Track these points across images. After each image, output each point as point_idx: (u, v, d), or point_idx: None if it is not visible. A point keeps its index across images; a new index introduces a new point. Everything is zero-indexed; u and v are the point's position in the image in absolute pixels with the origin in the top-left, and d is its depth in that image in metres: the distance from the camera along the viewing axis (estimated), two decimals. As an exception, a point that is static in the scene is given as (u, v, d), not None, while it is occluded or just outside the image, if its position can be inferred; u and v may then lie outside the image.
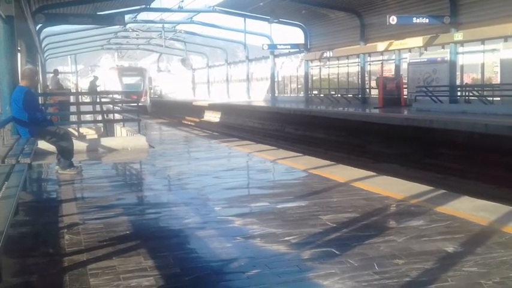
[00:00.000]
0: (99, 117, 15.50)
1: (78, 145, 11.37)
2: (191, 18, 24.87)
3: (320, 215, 5.55)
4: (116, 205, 6.33)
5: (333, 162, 9.22)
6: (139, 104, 19.76)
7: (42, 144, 10.99)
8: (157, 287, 3.70)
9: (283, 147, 14.78)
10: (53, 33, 27.57)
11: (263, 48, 33.76)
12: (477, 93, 22.46)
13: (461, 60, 24.39)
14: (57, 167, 8.82)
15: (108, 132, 16.94)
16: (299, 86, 39.42)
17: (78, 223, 5.46)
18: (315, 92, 36.41)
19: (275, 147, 11.77)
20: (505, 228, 4.91)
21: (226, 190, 7.12)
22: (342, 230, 5.00)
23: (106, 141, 12.20)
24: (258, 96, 43.15)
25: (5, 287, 3.67)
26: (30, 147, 7.26)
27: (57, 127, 9.15)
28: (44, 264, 4.25)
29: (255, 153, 10.65)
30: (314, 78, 37.40)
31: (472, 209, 5.67)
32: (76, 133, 14.16)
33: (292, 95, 40.17)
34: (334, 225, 5.16)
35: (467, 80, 24.97)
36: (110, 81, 37.05)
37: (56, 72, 24.50)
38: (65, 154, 8.77)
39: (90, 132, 14.71)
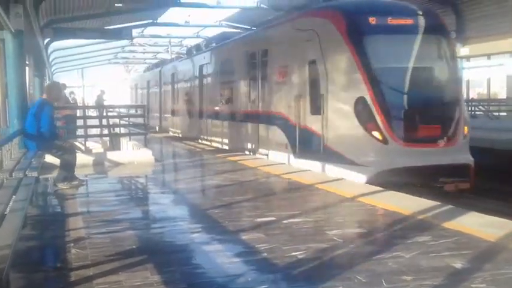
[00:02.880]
0: (106, 131, 15.56)
1: (85, 159, 11.42)
2: (198, 33, 25.01)
3: (327, 230, 5.53)
4: (122, 219, 6.33)
5: (338, 177, 9.19)
6: None
7: (49, 158, 11.04)
8: (164, 302, 3.69)
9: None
10: (61, 48, 27.77)
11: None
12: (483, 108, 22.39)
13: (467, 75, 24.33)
14: (54, 180, 8.78)
15: (115, 146, 16.97)
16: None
17: (84, 237, 5.46)
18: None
19: (280, 163, 11.75)
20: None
21: (232, 204, 7.11)
22: (349, 246, 4.98)
23: (112, 155, 12.22)
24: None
25: (12, 301, 3.66)
26: (38, 161, 7.30)
27: (64, 141, 9.18)
28: (51, 279, 4.25)
29: (261, 168, 10.64)
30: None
31: (480, 224, 5.63)
32: (83, 147, 14.19)
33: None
34: (341, 240, 5.14)
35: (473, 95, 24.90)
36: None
37: (63, 86, 24.61)
38: (66, 167, 8.79)
39: (96, 146, 14.73)
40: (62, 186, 8.59)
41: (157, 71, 27.86)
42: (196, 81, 19.58)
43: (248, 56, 14.28)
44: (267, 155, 12.86)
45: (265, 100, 13.21)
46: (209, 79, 18.24)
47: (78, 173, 9.12)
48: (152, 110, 28.02)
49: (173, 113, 24.13)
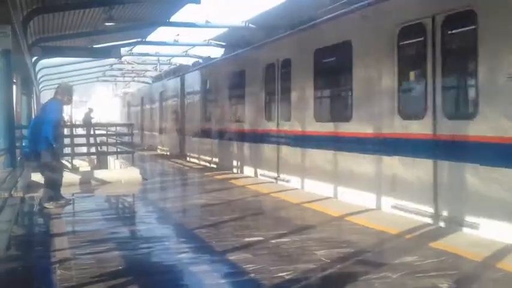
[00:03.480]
0: (93, 149, 15.49)
1: (71, 177, 11.34)
2: (186, 51, 25.06)
3: (314, 250, 5.52)
4: (109, 239, 6.27)
5: (326, 196, 9.20)
6: None
7: (35, 177, 10.96)
8: (149, 324, 3.65)
9: None
10: (49, 65, 27.68)
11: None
12: None
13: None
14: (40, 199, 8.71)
15: (102, 164, 16.88)
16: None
17: (70, 258, 5.40)
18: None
19: (270, 181, 11.74)
20: (499, 264, 4.89)
21: (220, 224, 7.08)
22: (336, 266, 4.96)
23: (99, 174, 12.15)
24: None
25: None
26: (24, 181, 7.24)
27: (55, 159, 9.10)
28: (34, 301, 4.19)
29: (249, 186, 10.63)
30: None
31: (466, 244, 5.66)
32: (69, 165, 14.10)
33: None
34: (329, 260, 5.13)
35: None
36: None
37: None
38: (53, 186, 8.72)
39: (83, 165, 14.67)
40: (48, 205, 8.51)
41: (144, 90, 28.36)
42: (184, 100, 19.68)
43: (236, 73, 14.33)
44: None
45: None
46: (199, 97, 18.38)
47: (65, 191, 9.05)
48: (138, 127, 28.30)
49: (160, 131, 24.47)
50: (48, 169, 8.78)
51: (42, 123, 8.64)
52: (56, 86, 9.49)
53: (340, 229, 6.74)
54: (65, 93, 9.01)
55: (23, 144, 12.43)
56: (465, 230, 6.37)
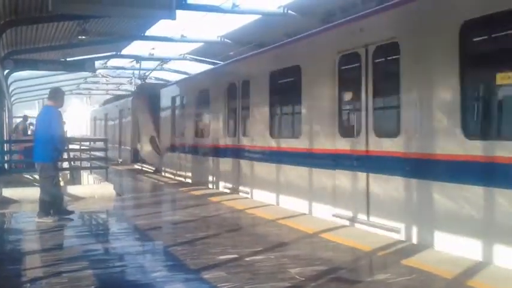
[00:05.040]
0: (66, 164, 15.29)
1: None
2: (162, 65, 25.07)
3: (289, 268, 5.54)
4: (82, 257, 6.21)
5: (301, 212, 9.25)
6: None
7: (6, 192, 10.80)
8: None
9: None
10: (21, 78, 27.36)
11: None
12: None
13: None
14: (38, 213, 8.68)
15: (75, 179, 16.68)
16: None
17: (41, 277, 5.33)
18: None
19: (244, 196, 11.77)
20: (470, 282, 4.99)
21: (195, 241, 7.06)
22: (310, 284, 5.00)
23: (72, 189, 11.99)
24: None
25: None
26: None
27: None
28: (5, 323, 4.13)
29: (224, 202, 10.63)
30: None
31: (437, 261, 5.75)
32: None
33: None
34: (303, 279, 5.16)
35: None
36: None
37: (25, 118, 24.14)
38: (57, 200, 8.74)
39: (56, 179, 14.44)
40: (46, 220, 8.42)
41: (116, 105, 28.82)
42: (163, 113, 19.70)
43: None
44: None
45: None
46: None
47: (36, 208, 8.91)
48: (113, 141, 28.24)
49: (118, 143, 25.79)
50: (50, 183, 8.71)
51: (47, 134, 8.58)
52: (48, 92, 9.43)
53: (314, 246, 6.78)
54: (58, 98, 8.97)
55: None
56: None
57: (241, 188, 12.33)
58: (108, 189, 12.03)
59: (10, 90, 28.71)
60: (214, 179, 14.11)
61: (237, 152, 12.56)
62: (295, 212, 9.11)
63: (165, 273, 5.54)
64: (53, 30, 15.30)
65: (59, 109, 8.97)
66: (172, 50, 21.54)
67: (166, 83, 23.18)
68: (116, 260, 6.25)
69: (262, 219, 8.66)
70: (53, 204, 8.71)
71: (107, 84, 35.49)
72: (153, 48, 22.09)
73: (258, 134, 11.54)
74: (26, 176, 15.03)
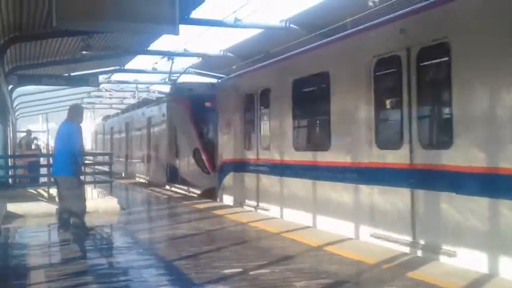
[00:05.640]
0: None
1: (48, 207, 11.20)
2: (165, 79, 25.16)
3: (294, 282, 5.53)
4: (86, 272, 6.21)
5: (305, 225, 9.23)
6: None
7: (11, 207, 10.82)
8: None
9: None
10: (25, 93, 27.46)
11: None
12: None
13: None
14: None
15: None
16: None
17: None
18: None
19: (250, 209, 11.75)
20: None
21: (199, 255, 7.05)
22: (315, 298, 4.99)
23: (76, 204, 11.99)
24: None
25: None
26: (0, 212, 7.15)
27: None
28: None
29: (228, 216, 10.62)
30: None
31: (442, 273, 5.73)
32: (46, 194, 13.92)
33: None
34: (308, 292, 5.15)
35: None
36: None
37: (29, 132, 24.22)
38: (81, 214, 8.92)
39: (60, 194, 14.45)
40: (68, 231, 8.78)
41: (123, 117, 28.15)
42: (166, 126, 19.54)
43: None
44: None
45: None
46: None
47: (41, 222, 8.95)
48: (119, 155, 28.04)
49: (142, 159, 23.99)
50: (75, 195, 8.93)
51: (68, 148, 8.85)
52: (68, 107, 9.70)
53: (319, 259, 6.76)
54: (78, 114, 9.29)
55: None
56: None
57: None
58: (112, 203, 12.03)
59: (14, 105, 28.83)
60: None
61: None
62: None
63: (170, 287, 5.53)
64: (57, 45, 15.39)
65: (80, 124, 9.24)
66: (176, 64, 21.52)
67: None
68: (121, 274, 6.24)
69: (266, 232, 8.64)
70: (77, 216, 8.88)
71: (110, 98, 35.58)
72: (156, 63, 22.18)
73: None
74: (30, 190, 15.04)
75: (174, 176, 18.76)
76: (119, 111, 35.01)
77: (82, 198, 9.20)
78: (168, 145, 19.51)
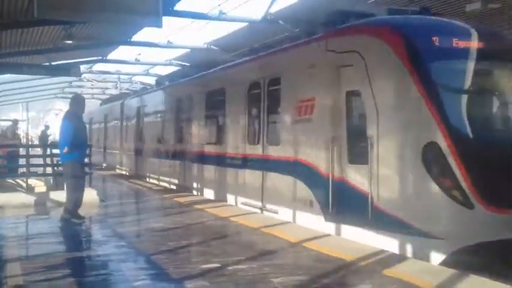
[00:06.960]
0: (49, 169, 15.14)
1: (26, 198, 11.11)
2: (147, 70, 25.01)
3: (271, 277, 5.56)
4: (63, 265, 6.18)
5: (284, 221, 9.28)
6: None
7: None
8: None
9: None
10: (5, 81, 27.11)
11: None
12: None
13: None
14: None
15: (58, 185, 16.52)
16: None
17: (22, 285, 5.29)
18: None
19: (229, 204, 11.77)
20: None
21: (178, 249, 7.05)
22: (292, 294, 5.02)
23: (55, 195, 11.88)
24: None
25: None
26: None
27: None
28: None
29: (208, 210, 10.62)
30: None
31: (418, 271, 5.81)
32: (24, 185, 13.75)
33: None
34: (285, 288, 5.18)
35: None
36: None
37: (15, 122, 23.86)
38: (77, 203, 9.09)
39: (39, 184, 14.26)
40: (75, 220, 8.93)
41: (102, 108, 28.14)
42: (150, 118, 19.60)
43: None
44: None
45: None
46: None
47: (19, 213, 8.86)
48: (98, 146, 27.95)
49: (121, 150, 24.04)
50: (75, 183, 9.14)
51: (61, 144, 9.14)
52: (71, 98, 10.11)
53: (297, 255, 6.80)
54: (79, 105, 9.45)
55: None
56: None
57: None
58: (91, 195, 11.93)
59: (-6, 93, 28.47)
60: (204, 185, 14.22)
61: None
62: (277, 221, 9.01)
63: (148, 282, 5.54)
64: (38, 34, 15.20)
65: (82, 114, 9.57)
66: (159, 56, 21.39)
67: None
68: (98, 268, 6.22)
69: (245, 227, 8.67)
70: (73, 204, 8.99)
71: (92, 88, 35.27)
72: (139, 54, 22.03)
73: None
74: (8, 180, 14.84)
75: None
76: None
77: (82, 187, 9.40)
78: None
